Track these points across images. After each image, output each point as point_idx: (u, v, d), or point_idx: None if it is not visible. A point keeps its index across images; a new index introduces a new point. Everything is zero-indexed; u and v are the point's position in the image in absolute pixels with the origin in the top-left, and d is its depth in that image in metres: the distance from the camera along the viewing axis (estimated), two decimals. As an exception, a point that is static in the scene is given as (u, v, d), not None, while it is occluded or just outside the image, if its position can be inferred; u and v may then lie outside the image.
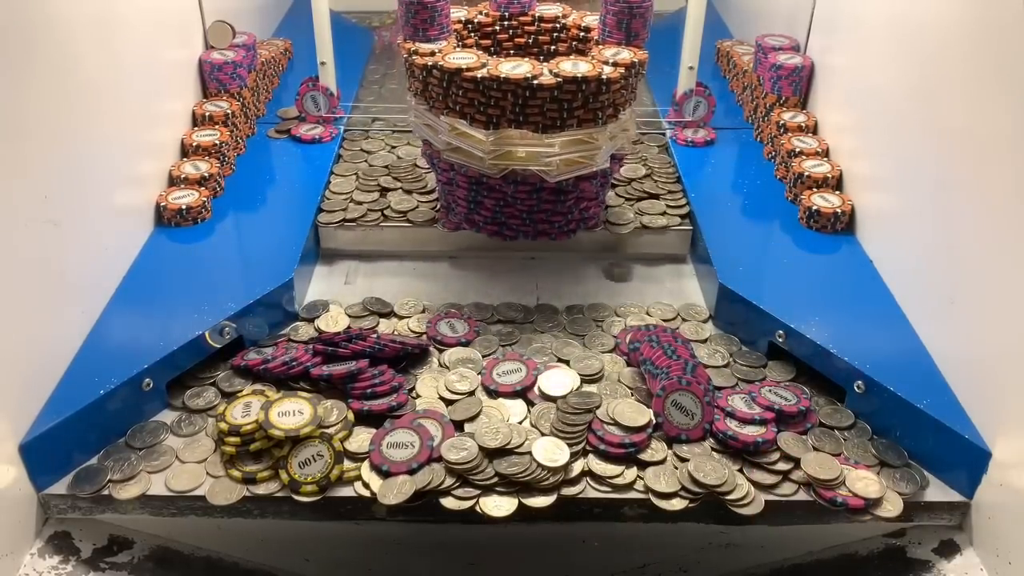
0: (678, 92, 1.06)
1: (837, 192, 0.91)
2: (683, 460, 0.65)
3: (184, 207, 0.87)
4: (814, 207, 0.88)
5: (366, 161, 1.01)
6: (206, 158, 0.95)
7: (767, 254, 0.86)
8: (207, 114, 1.00)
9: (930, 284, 0.73)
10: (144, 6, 0.89)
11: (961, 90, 0.71)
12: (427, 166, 0.95)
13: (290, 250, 0.83)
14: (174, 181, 0.92)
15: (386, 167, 0.99)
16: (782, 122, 1.01)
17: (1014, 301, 0.61)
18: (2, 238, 0.62)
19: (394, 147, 1.04)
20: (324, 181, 0.96)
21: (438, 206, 0.91)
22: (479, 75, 0.74)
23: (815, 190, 0.91)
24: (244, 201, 0.93)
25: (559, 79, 0.74)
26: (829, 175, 0.92)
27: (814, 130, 1.02)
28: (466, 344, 0.78)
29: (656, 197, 0.95)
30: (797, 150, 0.96)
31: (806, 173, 0.92)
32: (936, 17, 0.75)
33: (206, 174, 0.92)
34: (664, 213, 0.92)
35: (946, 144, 0.72)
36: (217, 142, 0.96)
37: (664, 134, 1.07)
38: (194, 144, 0.95)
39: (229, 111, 1.00)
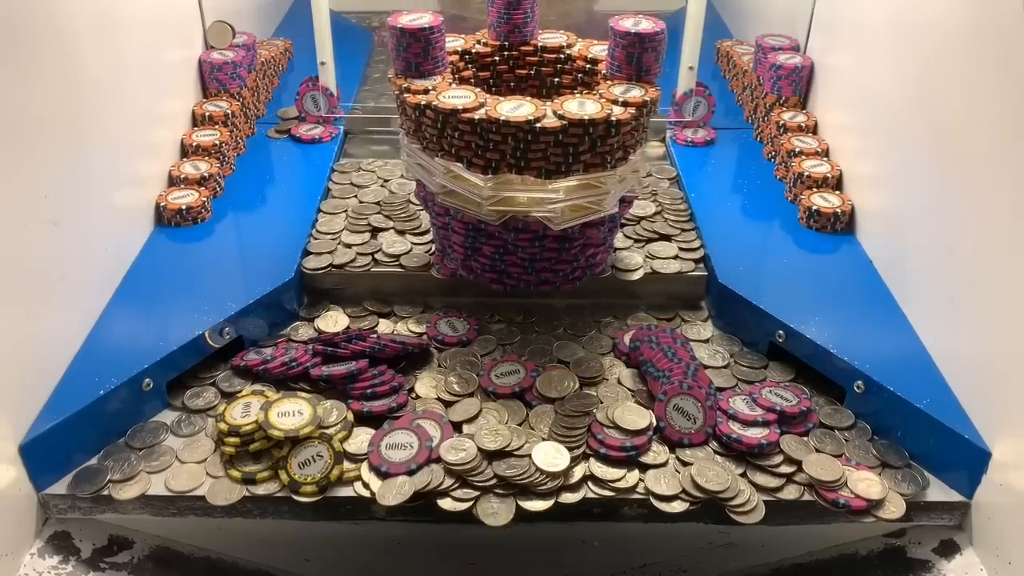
0: (678, 92, 1.06)
1: (837, 192, 0.91)
2: (686, 464, 0.65)
3: (184, 207, 0.87)
4: (814, 207, 0.88)
5: (356, 196, 0.94)
6: (206, 158, 0.95)
7: (767, 254, 0.86)
8: (207, 114, 1.00)
9: (930, 284, 0.73)
10: (144, 6, 0.89)
11: (961, 90, 0.71)
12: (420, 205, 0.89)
13: (290, 250, 0.83)
14: (174, 181, 0.92)
15: (378, 203, 0.92)
16: (782, 122, 1.01)
17: (1014, 301, 0.61)
18: (2, 238, 0.62)
19: (386, 181, 0.97)
20: (324, 181, 0.96)
21: (432, 249, 0.85)
22: (476, 116, 0.68)
23: (815, 190, 0.91)
24: (244, 201, 0.93)
25: (564, 122, 0.68)
26: (829, 175, 0.92)
27: (814, 130, 1.02)
28: (467, 343, 0.78)
29: (668, 239, 0.87)
30: (797, 150, 0.96)
31: (806, 173, 0.92)
32: (936, 17, 0.75)
33: (206, 174, 0.92)
34: (676, 257, 0.85)
35: (946, 144, 0.72)
36: (217, 142, 0.96)
37: (664, 136, 1.07)
38: (194, 144, 0.95)
39: (229, 111, 1.00)
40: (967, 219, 0.68)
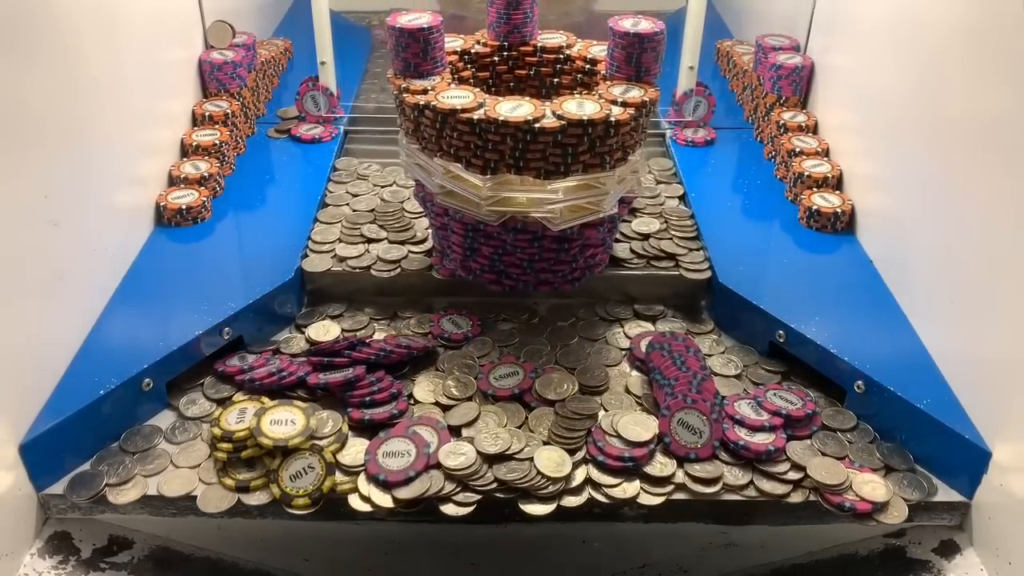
0: (678, 92, 1.06)
1: (837, 192, 0.91)
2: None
3: (184, 207, 0.87)
4: (814, 207, 0.88)
5: (348, 205, 0.92)
6: (206, 158, 0.95)
7: (767, 254, 0.86)
8: (207, 114, 1.00)
9: (930, 284, 0.73)
10: (144, 6, 0.89)
11: (961, 90, 0.71)
12: (416, 211, 0.89)
13: (290, 250, 0.83)
14: (174, 181, 0.92)
15: (371, 211, 0.90)
16: (782, 122, 1.01)
17: (1014, 301, 0.61)
18: (2, 238, 0.61)
19: (383, 187, 0.95)
20: (324, 181, 0.96)
21: (431, 251, 0.84)
22: (475, 117, 0.68)
23: (815, 190, 0.91)
24: (244, 201, 0.93)
25: (563, 122, 0.67)
26: (829, 175, 0.92)
27: (814, 130, 1.02)
28: (471, 339, 0.77)
29: (673, 258, 0.84)
30: (797, 150, 0.96)
31: (806, 173, 0.92)
32: (936, 17, 0.75)
33: (206, 174, 0.91)
34: (680, 276, 0.83)
35: (946, 144, 0.72)
36: (217, 142, 0.96)
37: (664, 135, 1.07)
38: (194, 144, 0.95)
39: (229, 111, 1.00)
40: (967, 219, 0.68)
